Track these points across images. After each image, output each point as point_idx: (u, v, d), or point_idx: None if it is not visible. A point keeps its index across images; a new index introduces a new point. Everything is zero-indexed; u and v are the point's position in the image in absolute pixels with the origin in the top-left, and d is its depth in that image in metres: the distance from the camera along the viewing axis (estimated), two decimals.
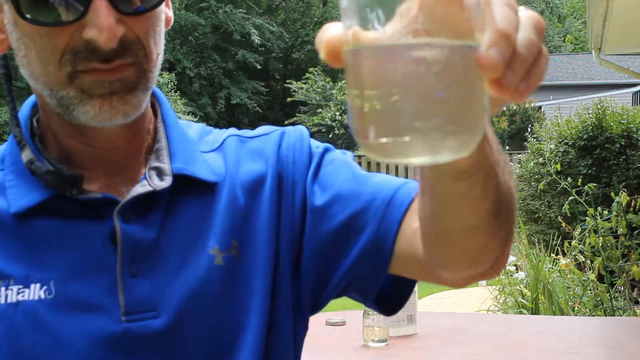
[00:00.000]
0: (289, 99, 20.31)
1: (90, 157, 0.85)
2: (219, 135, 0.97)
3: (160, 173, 0.86)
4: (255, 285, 0.86)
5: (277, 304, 0.88)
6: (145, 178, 0.85)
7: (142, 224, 0.83)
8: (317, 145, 0.94)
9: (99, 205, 0.83)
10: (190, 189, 0.87)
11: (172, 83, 20.85)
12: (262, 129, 0.98)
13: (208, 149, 0.93)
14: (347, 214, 0.87)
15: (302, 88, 19.47)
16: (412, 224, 0.82)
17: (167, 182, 0.85)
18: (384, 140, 0.42)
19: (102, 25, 0.72)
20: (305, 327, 0.95)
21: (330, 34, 0.45)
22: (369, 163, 10.91)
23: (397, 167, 10.62)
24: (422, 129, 0.41)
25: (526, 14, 0.46)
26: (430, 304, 6.85)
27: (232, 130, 0.98)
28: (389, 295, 0.91)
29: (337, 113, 17.67)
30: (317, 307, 0.93)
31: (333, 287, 0.90)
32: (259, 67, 24.95)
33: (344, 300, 0.98)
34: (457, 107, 0.42)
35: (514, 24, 0.44)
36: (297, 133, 0.94)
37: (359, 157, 10.09)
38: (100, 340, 0.80)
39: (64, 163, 0.84)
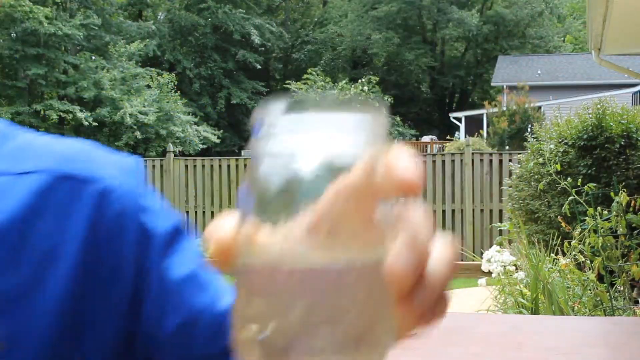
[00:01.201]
0: None
1: None
2: (30, 148, 0.68)
3: None
4: None
5: None
6: None
7: None
8: (155, 224, 0.70)
9: None
10: None
11: (172, 83, 20.87)
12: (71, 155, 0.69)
13: (4, 169, 0.65)
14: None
15: (301, 89, 19.49)
16: None
17: None
18: None
19: None
20: None
21: (221, 233, 0.37)
22: None
23: None
24: (310, 352, 0.37)
25: (446, 243, 0.39)
26: None
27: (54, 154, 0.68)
28: None
29: None
30: None
31: None
32: (259, 67, 24.92)
33: None
34: (350, 331, 0.37)
35: (427, 242, 0.37)
36: (123, 200, 0.69)
37: None
38: None
39: None
